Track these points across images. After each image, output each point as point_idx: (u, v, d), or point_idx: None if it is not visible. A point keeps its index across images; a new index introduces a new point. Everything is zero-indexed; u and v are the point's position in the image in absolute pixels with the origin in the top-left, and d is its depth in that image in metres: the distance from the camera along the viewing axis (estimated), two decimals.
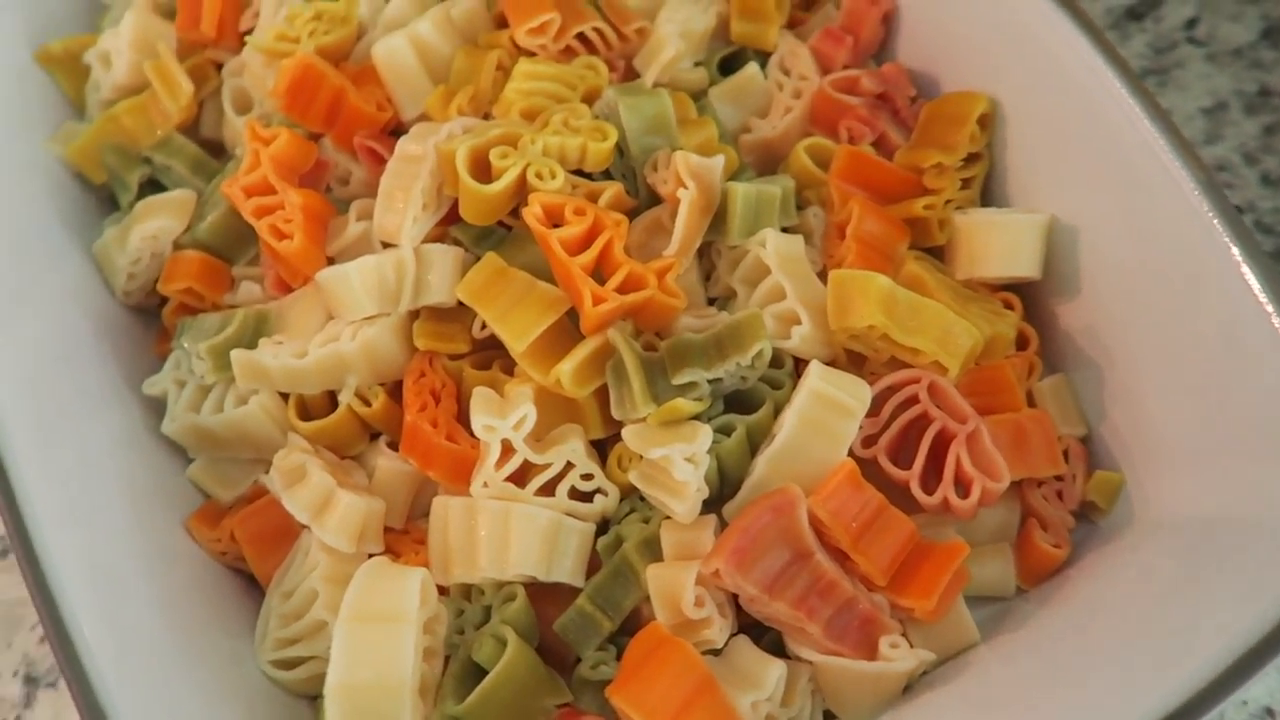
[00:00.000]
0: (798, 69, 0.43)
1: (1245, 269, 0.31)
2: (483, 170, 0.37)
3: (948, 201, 0.38)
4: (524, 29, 0.40)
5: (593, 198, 0.37)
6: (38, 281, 0.40)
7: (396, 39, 0.40)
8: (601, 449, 0.36)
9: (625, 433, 0.34)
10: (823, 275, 0.38)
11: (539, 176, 0.36)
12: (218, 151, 0.46)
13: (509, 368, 0.37)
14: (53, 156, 0.45)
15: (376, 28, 0.43)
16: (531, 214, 0.35)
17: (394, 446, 0.38)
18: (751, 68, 0.43)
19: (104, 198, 0.46)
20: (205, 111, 0.46)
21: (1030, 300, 0.38)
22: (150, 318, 0.44)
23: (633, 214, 0.38)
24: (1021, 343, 0.38)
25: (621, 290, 0.34)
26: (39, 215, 0.43)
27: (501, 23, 0.43)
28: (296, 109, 0.40)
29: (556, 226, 0.35)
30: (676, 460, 0.32)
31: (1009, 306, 0.38)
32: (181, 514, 0.39)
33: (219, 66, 0.45)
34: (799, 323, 0.35)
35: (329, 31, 0.42)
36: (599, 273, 0.35)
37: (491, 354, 0.38)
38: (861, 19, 0.43)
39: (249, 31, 0.45)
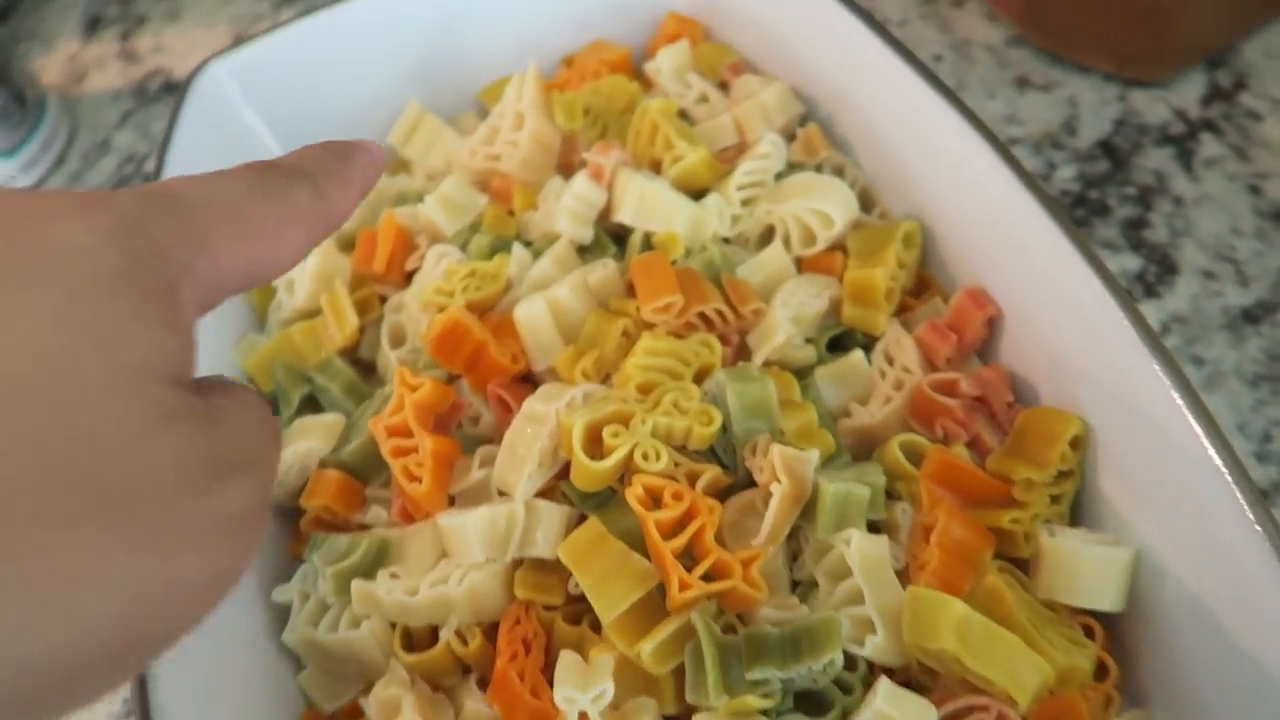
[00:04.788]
0: (901, 359, 0.45)
1: None
2: (595, 439, 0.40)
3: (1034, 515, 0.39)
4: (650, 307, 0.44)
5: (693, 478, 0.40)
6: None
7: (536, 304, 0.45)
8: None
9: None
10: (905, 574, 0.39)
11: (645, 457, 0.39)
12: (371, 369, 0.51)
13: (598, 625, 0.40)
14: (232, 364, 0.51)
15: (522, 284, 0.48)
16: (633, 494, 0.38)
17: (482, 683, 0.40)
18: (857, 354, 0.46)
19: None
20: (366, 335, 0.52)
21: (1113, 627, 0.39)
22: (289, 515, 0.49)
23: (730, 489, 0.41)
24: (1101, 673, 0.38)
25: (708, 577, 0.37)
26: None
27: (633, 289, 0.47)
28: (442, 355, 0.45)
29: (656, 502, 0.38)
30: None
31: (1090, 632, 0.38)
32: (287, 717, 0.42)
33: (384, 299, 0.52)
34: (874, 632, 0.36)
35: (480, 288, 0.47)
36: (690, 551, 0.38)
37: (583, 608, 0.41)
38: (967, 319, 0.45)
39: (414, 271, 0.51)
